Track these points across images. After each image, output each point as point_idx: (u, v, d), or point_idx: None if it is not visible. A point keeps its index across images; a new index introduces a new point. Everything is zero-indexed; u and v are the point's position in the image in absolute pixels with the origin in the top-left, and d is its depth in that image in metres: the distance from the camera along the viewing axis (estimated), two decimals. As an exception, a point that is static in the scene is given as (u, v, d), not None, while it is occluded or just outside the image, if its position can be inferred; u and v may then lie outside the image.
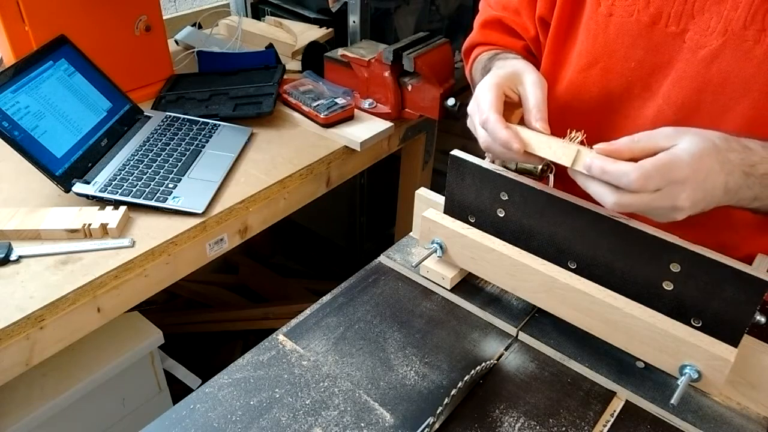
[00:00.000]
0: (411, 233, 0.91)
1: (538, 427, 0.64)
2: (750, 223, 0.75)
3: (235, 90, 1.31)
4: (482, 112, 0.64)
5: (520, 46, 0.87)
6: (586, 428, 0.64)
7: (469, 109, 0.69)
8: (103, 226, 0.94)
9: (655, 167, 0.54)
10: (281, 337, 0.74)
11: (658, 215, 0.58)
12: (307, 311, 0.79)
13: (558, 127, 0.65)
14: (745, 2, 0.63)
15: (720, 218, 0.74)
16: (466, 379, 0.64)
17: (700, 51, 0.67)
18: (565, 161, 0.59)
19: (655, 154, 0.56)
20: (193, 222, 0.99)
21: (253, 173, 1.12)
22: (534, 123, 0.64)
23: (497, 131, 0.62)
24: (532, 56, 0.88)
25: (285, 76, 1.37)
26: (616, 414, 0.66)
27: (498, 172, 0.72)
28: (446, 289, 0.81)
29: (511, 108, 0.70)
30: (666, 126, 0.59)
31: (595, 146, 0.59)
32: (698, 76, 0.68)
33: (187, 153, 1.12)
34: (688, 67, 0.68)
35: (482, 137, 0.65)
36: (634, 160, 0.56)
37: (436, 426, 0.63)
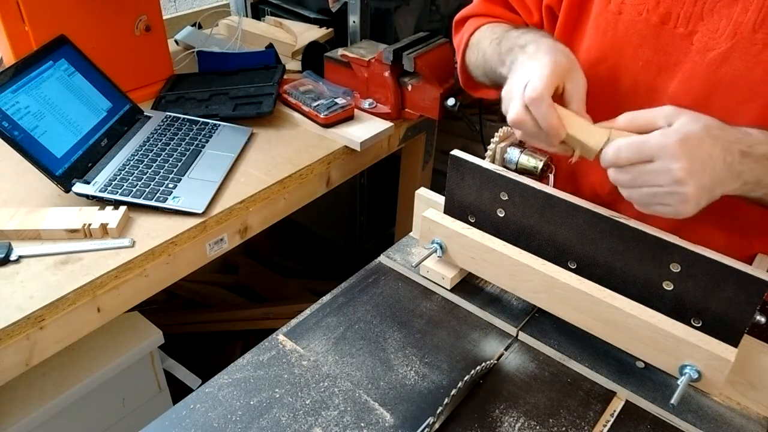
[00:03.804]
0: (411, 233, 0.91)
1: (538, 427, 0.64)
2: (759, 225, 0.74)
3: (235, 90, 1.31)
4: (536, 92, 0.62)
5: (522, 23, 0.86)
6: (586, 428, 0.64)
7: (515, 82, 0.66)
8: (103, 226, 0.94)
9: (627, 142, 0.58)
10: (281, 337, 0.74)
11: (666, 197, 0.58)
12: (307, 311, 0.79)
13: None
14: (756, 5, 0.63)
15: (729, 221, 0.74)
16: (466, 379, 0.64)
17: (708, 53, 0.67)
18: (597, 144, 0.62)
19: (653, 129, 0.59)
20: (193, 222, 0.99)
21: (253, 173, 1.12)
22: (580, 110, 0.65)
23: (550, 116, 0.62)
24: None
25: (285, 76, 1.37)
26: (616, 414, 0.66)
27: (498, 172, 0.72)
28: (446, 289, 0.81)
29: None
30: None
31: (599, 123, 0.63)
32: (706, 78, 0.67)
33: (187, 153, 1.12)
34: (695, 69, 0.68)
35: (518, 110, 0.64)
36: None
37: (436, 426, 0.63)
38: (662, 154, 0.56)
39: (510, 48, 0.76)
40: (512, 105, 0.65)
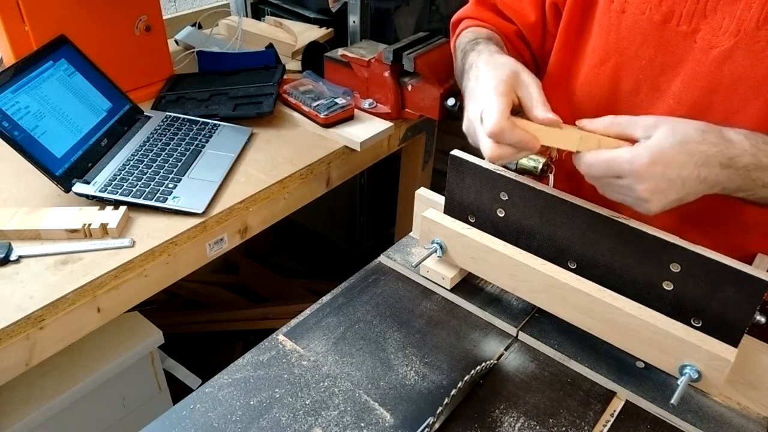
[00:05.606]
0: (411, 233, 0.91)
1: (538, 427, 0.64)
2: (760, 224, 0.74)
3: (235, 90, 1.31)
4: (497, 125, 0.61)
5: (512, 30, 0.86)
6: (586, 428, 0.64)
7: (472, 115, 0.66)
8: (103, 226, 0.94)
9: (599, 158, 0.60)
10: (281, 337, 0.74)
11: (632, 205, 0.61)
12: (307, 311, 0.79)
13: (569, 124, 0.65)
14: (759, 2, 0.62)
15: (730, 219, 0.74)
16: (466, 379, 0.64)
17: (711, 51, 0.67)
18: (571, 147, 0.63)
19: (630, 138, 0.60)
20: (193, 222, 0.99)
21: (253, 173, 1.12)
22: (544, 114, 0.63)
23: (520, 137, 0.61)
24: (524, 43, 0.86)
25: (285, 76, 1.37)
26: (616, 414, 0.66)
27: (498, 172, 0.72)
28: (446, 289, 0.81)
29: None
30: None
31: (577, 121, 0.63)
32: (709, 76, 0.67)
33: (187, 153, 1.12)
34: (699, 67, 0.68)
35: (490, 147, 0.62)
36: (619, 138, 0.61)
37: (436, 426, 0.63)
38: (629, 174, 0.58)
39: (462, 69, 0.77)
40: (482, 144, 0.64)
